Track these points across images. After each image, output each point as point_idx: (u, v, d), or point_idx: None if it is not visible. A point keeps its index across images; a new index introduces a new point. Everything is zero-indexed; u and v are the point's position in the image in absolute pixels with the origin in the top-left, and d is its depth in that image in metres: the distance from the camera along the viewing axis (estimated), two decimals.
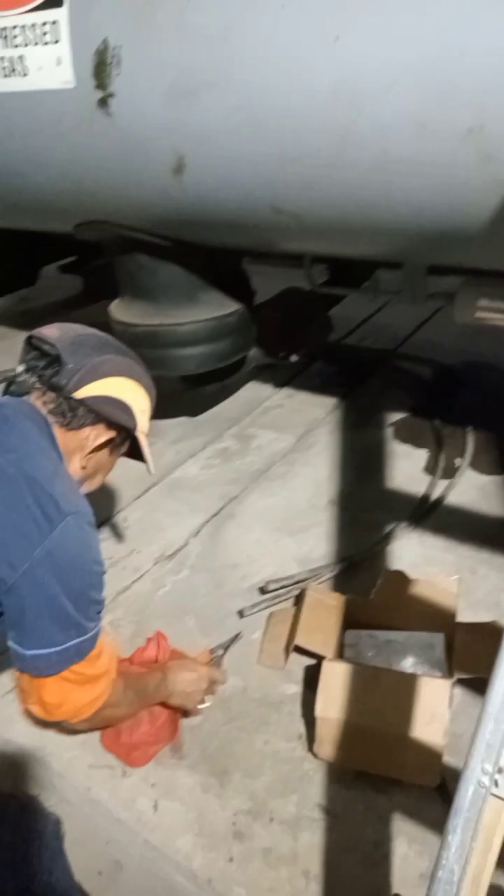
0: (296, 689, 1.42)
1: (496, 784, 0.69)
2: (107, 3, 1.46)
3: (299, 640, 1.42)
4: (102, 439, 1.10)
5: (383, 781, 1.21)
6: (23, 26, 1.57)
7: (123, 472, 1.27)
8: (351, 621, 1.51)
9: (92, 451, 1.10)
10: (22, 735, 1.31)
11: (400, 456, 2.25)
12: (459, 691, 1.35)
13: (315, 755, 1.26)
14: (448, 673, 1.37)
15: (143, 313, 2.06)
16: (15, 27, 1.59)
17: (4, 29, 1.60)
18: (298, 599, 1.58)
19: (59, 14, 1.50)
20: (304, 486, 2.12)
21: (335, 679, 1.26)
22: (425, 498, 2.02)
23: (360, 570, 1.73)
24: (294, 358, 2.65)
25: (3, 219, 2.24)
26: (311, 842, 1.14)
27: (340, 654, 1.44)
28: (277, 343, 2.57)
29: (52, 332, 1.08)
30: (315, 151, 1.28)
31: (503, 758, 0.69)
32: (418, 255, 1.68)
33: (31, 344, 1.09)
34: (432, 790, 1.19)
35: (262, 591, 1.66)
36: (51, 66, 1.57)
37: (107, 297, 2.26)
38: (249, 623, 1.58)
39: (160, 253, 1.92)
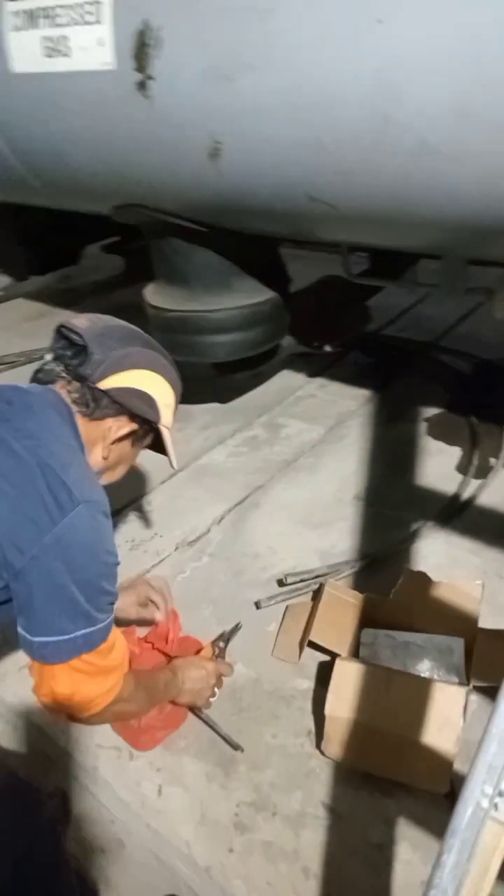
0: (308, 684, 1.41)
1: (496, 807, 0.66)
2: None
3: (314, 636, 1.41)
4: (125, 431, 1.11)
5: (391, 784, 1.20)
6: (67, 6, 1.56)
7: (151, 457, 1.27)
8: (369, 620, 1.49)
9: (114, 442, 1.11)
10: (31, 711, 1.34)
11: (432, 453, 2.20)
12: (476, 698, 1.32)
13: (322, 753, 1.25)
14: (465, 679, 1.34)
15: (177, 298, 2.05)
16: (59, 7, 1.58)
17: (49, 8, 1.60)
18: (316, 594, 1.56)
19: None
20: (330, 479, 2.09)
21: (347, 678, 1.25)
22: (455, 497, 1.97)
23: (382, 568, 1.70)
24: (328, 348, 2.61)
25: (44, 198, 2.26)
26: (312, 839, 1.14)
27: (356, 653, 1.43)
28: (312, 332, 2.53)
29: (81, 322, 1.08)
30: (353, 138, 1.24)
31: None
32: (458, 247, 1.62)
33: (60, 333, 1.10)
34: (441, 797, 1.17)
35: (281, 583, 1.66)
36: (92, 46, 1.56)
37: (149, 278, 2.25)
38: (266, 615, 1.57)
39: (195, 238, 1.91)
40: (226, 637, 1.47)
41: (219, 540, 1.86)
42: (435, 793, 1.17)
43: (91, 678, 0.95)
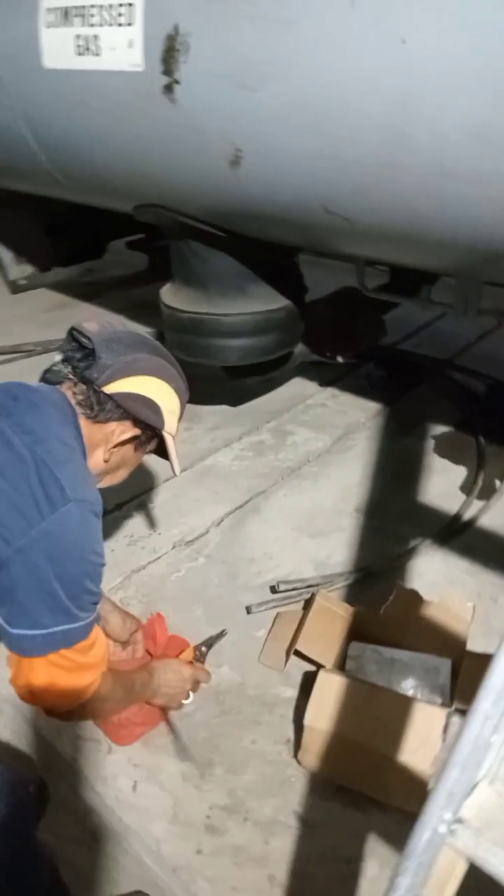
0: (292, 692, 1.42)
1: (452, 834, 0.67)
2: None
3: (300, 646, 1.42)
4: (127, 435, 1.12)
5: (365, 799, 1.20)
6: (100, 6, 1.59)
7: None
8: (357, 633, 1.49)
9: (116, 446, 1.12)
10: (14, 697, 1.35)
11: (437, 470, 2.19)
12: (458, 720, 1.31)
13: (299, 763, 1.26)
14: (449, 701, 1.34)
15: (192, 300, 2.07)
16: (93, 6, 1.60)
17: (83, 7, 1.62)
18: (308, 604, 1.57)
19: None
20: (333, 488, 2.10)
21: (329, 690, 1.25)
22: (456, 517, 1.96)
23: (376, 582, 1.70)
24: (341, 359, 2.61)
25: (69, 192, 2.29)
26: (282, 847, 1.15)
27: (342, 665, 1.43)
28: (326, 342, 2.53)
29: (91, 326, 1.11)
30: (370, 155, 1.24)
31: (463, 808, 0.67)
32: (472, 269, 1.61)
33: (71, 335, 1.12)
34: (414, 816, 1.17)
35: (273, 590, 1.66)
36: (123, 47, 1.58)
37: (170, 277, 2.27)
38: (256, 620, 1.58)
39: (214, 242, 1.92)
40: (209, 642, 1.48)
41: (216, 542, 1.87)
42: (407, 811, 1.17)
43: (68, 673, 0.96)
